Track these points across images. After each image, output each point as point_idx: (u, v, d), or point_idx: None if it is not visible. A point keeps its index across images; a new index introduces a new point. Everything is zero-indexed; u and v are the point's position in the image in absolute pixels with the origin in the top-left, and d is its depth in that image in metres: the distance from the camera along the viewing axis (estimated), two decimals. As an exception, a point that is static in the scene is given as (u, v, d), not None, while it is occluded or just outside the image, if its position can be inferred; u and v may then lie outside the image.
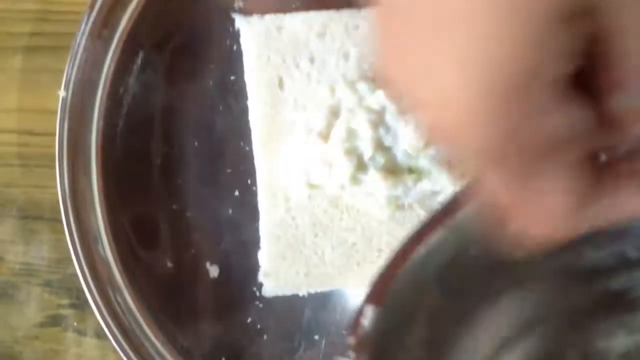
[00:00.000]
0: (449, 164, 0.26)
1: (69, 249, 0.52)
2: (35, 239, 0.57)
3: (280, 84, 0.53)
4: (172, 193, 0.55)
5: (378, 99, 0.50)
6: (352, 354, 0.27)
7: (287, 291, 0.53)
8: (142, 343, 0.53)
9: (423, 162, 0.50)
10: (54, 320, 0.56)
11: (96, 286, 0.52)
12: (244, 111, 0.54)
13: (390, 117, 0.50)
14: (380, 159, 0.50)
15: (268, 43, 0.53)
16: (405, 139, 0.50)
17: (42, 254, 0.57)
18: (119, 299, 0.53)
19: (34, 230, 0.57)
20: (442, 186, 0.50)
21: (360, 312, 0.29)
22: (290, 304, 0.54)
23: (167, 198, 0.55)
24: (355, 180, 0.50)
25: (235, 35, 0.55)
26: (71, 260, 0.52)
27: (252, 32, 0.53)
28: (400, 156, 0.50)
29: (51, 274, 0.57)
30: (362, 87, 0.51)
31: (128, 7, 0.55)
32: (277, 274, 0.53)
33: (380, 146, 0.50)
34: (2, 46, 0.57)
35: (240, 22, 0.54)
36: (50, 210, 0.56)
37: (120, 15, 0.54)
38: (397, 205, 0.51)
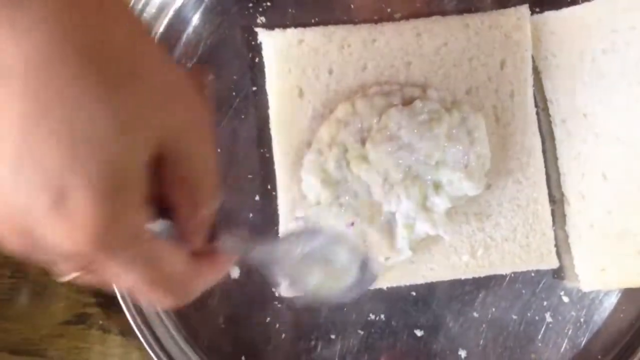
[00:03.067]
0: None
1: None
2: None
3: (300, 94, 0.56)
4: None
5: (393, 114, 0.52)
6: None
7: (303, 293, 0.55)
8: (167, 340, 0.55)
9: (443, 173, 0.52)
10: (79, 319, 0.58)
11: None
12: (265, 120, 0.56)
13: (405, 134, 0.52)
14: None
15: (289, 55, 0.56)
16: (422, 151, 0.52)
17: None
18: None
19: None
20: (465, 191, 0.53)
21: None
22: (308, 305, 0.56)
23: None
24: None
25: (258, 48, 0.57)
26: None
27: (274, 45, 0.56)
28: (420, 169, 0.52)
29: (78, 273, 0.58)
30: (379, 102, 0.53)
31: (154, 24, 0.58)
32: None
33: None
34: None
35: (263, 35, 0.56)
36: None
37: (150, 27, 0.57)
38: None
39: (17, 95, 0.25)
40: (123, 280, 0.31)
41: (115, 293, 0.54)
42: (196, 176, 0.31)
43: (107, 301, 0.57)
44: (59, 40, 0.25)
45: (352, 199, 0.53)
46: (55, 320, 0.58)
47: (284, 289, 0.55)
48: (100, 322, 0.58)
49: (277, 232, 0.55)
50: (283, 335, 0.57)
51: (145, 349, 0.54)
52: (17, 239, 0.27)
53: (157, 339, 0.54)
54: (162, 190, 0.30)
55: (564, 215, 0.57)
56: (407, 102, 0.53)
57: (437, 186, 0.52)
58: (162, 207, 0.31)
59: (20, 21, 0.25)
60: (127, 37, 0.28)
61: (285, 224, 0.55)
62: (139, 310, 0.54)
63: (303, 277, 0.41)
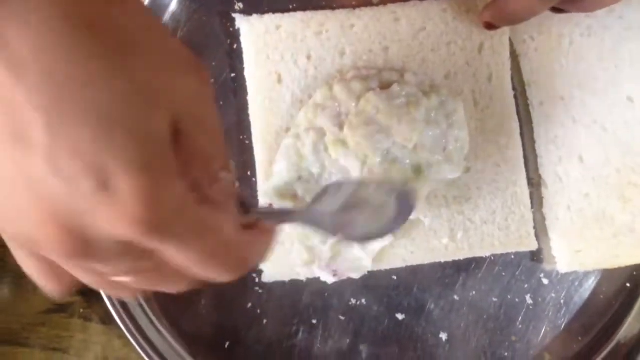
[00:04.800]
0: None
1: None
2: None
3: (279, 80, 0.55)
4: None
5: (371, 98, 0.52)
6: None
7: (285, 277, 0.55)
8: (148, 328, 0.55)
9: (422, 156, 0.52)
10: (61, 307, 0.58)
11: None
12: (244, 106, 0.56)
13: (382, 117, 0.52)
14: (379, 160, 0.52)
15: (267, 41, 0.55)
16: (400, 134, 0.52)
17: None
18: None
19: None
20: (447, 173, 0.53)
21: None
22: (289, 290, 0.57)
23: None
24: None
25: (236, 34, 0.57)
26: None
27: (252, 31, 0.56)
28: (398, 153, 0.52)
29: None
30: (357, 87, 0.53)
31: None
32: (275, 260, 0.55)
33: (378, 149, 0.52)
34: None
35: (241, 21, 0.56)
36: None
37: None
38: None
39: (34, 85, 0.24)
40: (181, 260, 0.29)
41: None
42: (211, 146, 0.31)
43: (87, 290, 0.57)
44: (60, 20, 0.25)
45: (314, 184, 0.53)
46: (36, 309, 0.58)
47: (266, 275, 0.55)
48: (82, 310, 0.58)
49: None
50: (265, 321, 0.57)
51: (126, 336, 0.54)
52: (68, 238, 0.26)
53: (139, 327, 0.54)
54: (180, 168, 0.29)
55: (541, 198, 0.57)
56: (385, 86, 0.53)
57: (417, 170, 0.52)
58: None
59: (17, 10, 0.25)
60: (126, 10, 0.28)
61: (266, 210, 0.55)
62: (119, 300, 0.54)
63: (348, 226, 0.41)
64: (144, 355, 0.54)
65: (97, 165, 0.25)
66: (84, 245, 0.26)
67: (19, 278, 0.58)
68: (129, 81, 0.26)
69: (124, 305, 0.54)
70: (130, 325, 0.54)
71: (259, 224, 0.34)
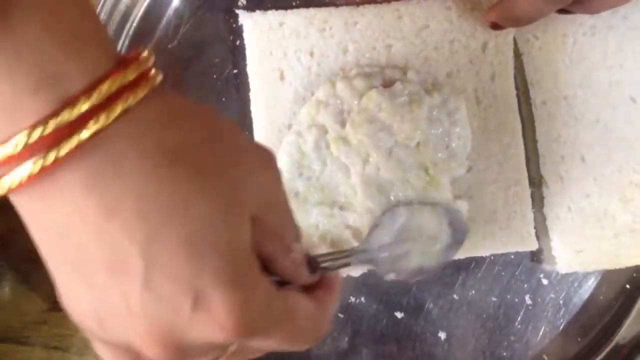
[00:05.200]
0: None
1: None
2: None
3: (282, 77, 0.55)
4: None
5: (373, 96, 0.52)
6: None
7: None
8: None
9: (425, 154, 0.52)
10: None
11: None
12: (247, 102, 0.56)
13: (385, 115, 0.52)
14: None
15: (270, 37, 0.55)
16: (403, 132, 0.52)
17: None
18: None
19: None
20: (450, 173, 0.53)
21: None
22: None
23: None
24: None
25: (239, 31, 0.57)
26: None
27: (255, 27, 0.56)
28: (401, 152, 0.52)
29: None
30: (359, 84, 0.53)
31: (135, 6, 0.57)
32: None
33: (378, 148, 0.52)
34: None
35: (244, 17, 0.56)
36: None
37: (130, 10, 0.57)
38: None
39: (128, 223, 0.27)
40: (267, 346, 0.32)
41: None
42: (282, 224, 0.33)
43: None
44: (144, 159, 0.28)
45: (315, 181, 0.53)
46: (37, 308, 0.58)
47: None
48: None
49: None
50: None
51: None
52: (167, 350, 0.29)
53: None
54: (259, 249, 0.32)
55: (542, 198, 0.57)
56: (388, 84, 0.53)
57: (422, 168, 0.52)
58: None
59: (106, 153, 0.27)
60: (201, 129, 0.30)
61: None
62: None
63: (403, 259, 0.42)
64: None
65: (191, 286, 0.28)
66: (180, 353, 0.29)
67: (20, 277, 0.58)
68: (215, 200, 0.29)
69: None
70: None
71: (324, 280, 0.36)
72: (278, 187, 0.33)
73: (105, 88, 0.27)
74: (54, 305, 0.58)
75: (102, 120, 0.27)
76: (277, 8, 0.56)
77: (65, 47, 0.26)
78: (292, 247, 0.34)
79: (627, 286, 0.59)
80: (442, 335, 0.57)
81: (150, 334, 0.28)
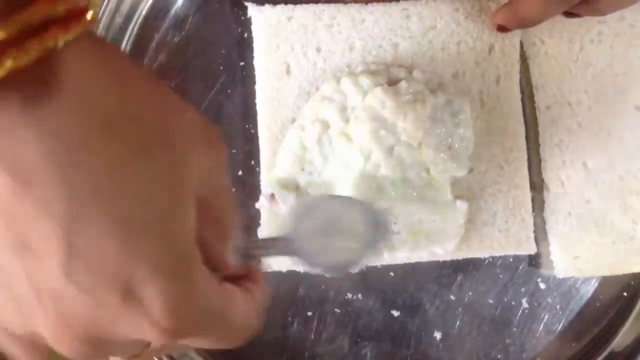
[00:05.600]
0: None
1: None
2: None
3: (288, 71, 0.56)
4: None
5: (378, 94, 0.52)
6: None
7: (282, 268, 0.56)
8: None
9: (427, 154, 0.52)
10: None
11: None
12: (252, 95, 0.56)
13: (388, 114, 0.52)
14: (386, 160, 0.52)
15: (278, 31, 0.56)
16: (406, 132, 0.52)
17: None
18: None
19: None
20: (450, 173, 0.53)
21: None
22: (286, 281, 0.57)
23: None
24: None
25: (247, 23, 0.57)
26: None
27: (263, 21, 0.56)
28: (403, 150, 0.52)
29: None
30: (365, 82, 0.53)
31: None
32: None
33: (384, 147, 0.52)
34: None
35: (252, 10, 0.56)
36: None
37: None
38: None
39: (48, 198, 0.23)
40: (199, 344, 0.29)
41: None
42: (224, 211, 0.30)
43: None
44: (73, 127, 0.23)
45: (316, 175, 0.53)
46: None
47: (264, 265, 0.55)
48: None
49: (258, 208, 0.55)
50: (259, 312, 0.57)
51: None
52: (85, 346, 0.25)
53: None
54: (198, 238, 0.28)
55: (542, 202, 0.57)
56: (393, 82, 0.54)
57: (423, 168, 0.52)
58: None
59: (27, 118, 0.22)
60: (144, 98, 0.26)
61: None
62: None
63: (330, 253, 0.41)
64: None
65: (121, 276, 0.24)
66: (98, 349, 0.25)
67: None
68: (156, 177, 0.25)
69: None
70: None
71: (249, 271, 0.33)
72: (223, 170, 0.29)
73: (25, 17, 0.21)
74: None
75: (20, 57, 0.21)
76: (286, 2, 0.56)
77: None
78: (230, 234, 0.30)
79: (624, 293, 0.59)
80: (438, 335, 0.58)
81: (64, 327, 0.24)
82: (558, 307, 0.58)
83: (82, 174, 0.23)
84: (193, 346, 0.30)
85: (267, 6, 0.56)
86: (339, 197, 0.45)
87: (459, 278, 0.58)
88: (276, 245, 0.39)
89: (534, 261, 0.58)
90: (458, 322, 0.58)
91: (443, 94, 0.53)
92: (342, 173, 0.52)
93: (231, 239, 0.30)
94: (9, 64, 0.21)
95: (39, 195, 0.22)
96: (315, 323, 0.57)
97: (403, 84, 0.53)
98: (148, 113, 0.25)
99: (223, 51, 0.58)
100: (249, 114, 0.57)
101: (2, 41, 0.21)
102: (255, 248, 0.37)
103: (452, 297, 0.58)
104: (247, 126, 0.57)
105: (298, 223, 0.41)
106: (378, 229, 0.42)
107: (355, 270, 0.43)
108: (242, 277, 0.32)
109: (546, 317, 0.58)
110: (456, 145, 0.53)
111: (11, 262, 0.23)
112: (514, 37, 0.56)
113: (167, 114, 0.26)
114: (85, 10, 0.23)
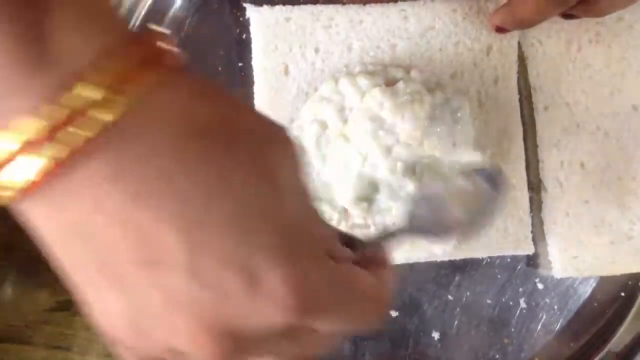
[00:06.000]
0: None
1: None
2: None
3: (286, 71, 0.56)
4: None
5: (376, 94, 0.52)
6: None
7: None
8: None
9: (430, 153, 0.52)
10: (64, 305, 0.58)
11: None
12: (250, 96, 0.56)
13: (386, 114, 0.52)
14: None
15: (276, 32, 0.56)
16: (404, 132, 0.52)
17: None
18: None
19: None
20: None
21: None
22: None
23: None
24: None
25: (245, 24, 0.57)
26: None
27: (261, 21, 0.56)
28: (402, 151, 0.52)
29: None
30: (363, 82, 0.53)
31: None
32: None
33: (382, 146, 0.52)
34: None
35: (251, 11, 0.56)
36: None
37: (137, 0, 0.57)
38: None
39: (165, 210, 0.24)
40: (332, 327, 0.29)
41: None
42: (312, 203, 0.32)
43: None
44: (179, 138, 0.25)
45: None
46: (39, 307, 0.58)
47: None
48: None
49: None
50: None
51: None
52: (222, 344, 0.26)
53: None
54: None
55: (540, 203, 0.57)
56: (391, 82, 0.54)
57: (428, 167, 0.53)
58: None
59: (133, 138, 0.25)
60: (229, 104, 0.28)
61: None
62: None
63: (449, 221, 0.41)
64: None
65: (243, 267, 0.25)
66: (238, 344, 0.26)
67: (22, 276, 0.58)
68: (256, 172, 0.26)
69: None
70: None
71: (374, 257, 0.34)
72: (301, 164, 0.30)
73: (124, 62, 0.24)
74: (56, 305, 0.58)
75: (124, 98, 0.24)
76: (284, 3, 0.56)
77: (75, 21, 0.24)
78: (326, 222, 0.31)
79: (622, 294, 0.59)
80: (436, 335, 0.58)
81: (202, 328, 0.25)
82: (556, 307, 0.59)
83: (190, 183, 0.25)
84: (328, 333, 0.29)
85: (266, 7, 0.56)
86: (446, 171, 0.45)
87: (457, 278, 0.58)
88: (398, 230, 0.38)
89: (531, 261, 0.58)
90: (456, 322, 0.58)
91: (441, 92, 0.53)
92: (341, 173, 0.52)
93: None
94: (115, 108, 0.24)
95: (155, 209, 0.24)
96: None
97: (401, 84, 0.53)
98: (233, 120, 0.27)
99: (221, 52, 0.58)
100: (247, 114, 0.57)
101: (108, 85, 0.24)
102: (378, 240, 0.37)
103: (450, 297, 0.58)
104: (245, 127, 0.57)
105: (415, 208, 0.41)
106: (495, 185, 0.42)
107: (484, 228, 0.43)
108: (369, 262, 0.33)
109: (544, 317, 0.58)
110: (459, 142, 0.53)
111: (137, 275, 0.25)
112: (512, 38, 0.56)
113: (248, 118, 0.28)
114: (170, 49, 0.26)
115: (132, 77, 0.24)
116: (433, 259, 0.56)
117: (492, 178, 0.42)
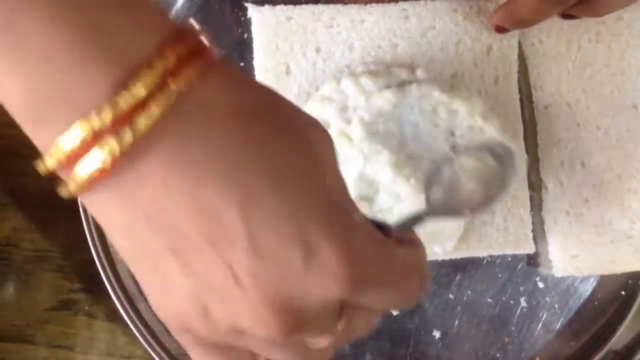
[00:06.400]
0: None
1: (84, 235, 0.54)
2: (50, 226, 0.58)
3: (287, 71, 0.56)
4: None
5: (385, 95, 0.52)
6: None
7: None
8: (154, 324, 0.55)
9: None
10: (65, 305, 0.58)
11: (111, 270, 0.54)
12: (251, 96, 0.56)
13: (395, 113, 0.52)
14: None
15: (277, 32, 0.56)
16: (408, 132, 0.52)
17: (56, 240, 0.58)
18: (132, 283, 0.55)
19: (49, 219, 0.58)
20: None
21: None
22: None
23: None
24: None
25: (247, 24, 0.57)
26: (83, 246, 0.54)
27: (263, 21, 0.56)
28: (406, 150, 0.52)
29: (64, 260, 0.58)
30: (366, 82, 0.53)
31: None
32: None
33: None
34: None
35: (252, 11, 0.57)
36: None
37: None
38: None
39: (225, 189, 0.26)
40: (380, 301, 0.30)
41: (101, 278, 0.54)
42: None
43: (92, 287, 0.58)
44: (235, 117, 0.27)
45: None
46: (41, 307, 0.58)
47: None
48: (87, 307, 0.58)
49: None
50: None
51: (131, 333, 0.54)
52: (284, 317, 0.27)
53: (145, 322, 0.54)
54: None
55: (540, 202, 0.57)
56: (395, 83, 0.54)
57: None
58: None
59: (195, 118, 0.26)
60: (270, 92, 0.30)
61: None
62: (125, 295, 0.54)
63: (464, 199, 0.41)
64: (150, 350, 0.54)
65: (299, 241, 0.26)
66: (297, 320, 0.27)
67: (24, 275, 0.58)
68: (303, 152, 0.28)
69: (130, 301, 0.54)
70: (137, 321, 0.54)
71: (403, 238, 0.34)
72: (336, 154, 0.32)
73: (175, 53, 0.25)
74: (58, 304, 0.58)
75: (177, 86, 0.25)
76: (285, 3, 0.57)
77: (122, 12, 0.25)
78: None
79: (622, 292, 0.59)
80: (437, 334, 0.58)
81: (265, 303, 0.26)
82: (556, 306, 0.59)
83: (245, 163, 0.26)
84: (376, 309, 0.31)
85: (267, 7, 0.56)
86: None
87: (457, 277, 0.58)
88: (422, 214, 0.39)
89: (532, 260, 0.59)
90: (457, 321, 0.58)
91: (446, 93, 0.53)
92: (342, 173, 0.53)
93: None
94: (168, 97, 0.25)
95: (217, 188, 0.26)
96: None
97: (414, 87, 0.52)
98: (275, 105, 0.29)
99: (223, 52, 0.58)
100: (248, 114, 0.57)
101: (162, 75, 0.25)
102: (405, 225, 0.37)
103: (451, 296, 0.58)
104: (247, 126, 0.57)
105: (429, 193, 0.41)
106: (506, 164, 0.42)
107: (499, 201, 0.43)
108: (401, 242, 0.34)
109: (545, 315, 0.59)
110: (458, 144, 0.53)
111: (204, 253, 0.26)
112: (512, 38, 0.57)
113: (287, 105, 0.30)
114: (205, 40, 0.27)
115: (182, 69, 0.26)
116: (434, 258, 0.56)
117: (502, 153, 0.43)
